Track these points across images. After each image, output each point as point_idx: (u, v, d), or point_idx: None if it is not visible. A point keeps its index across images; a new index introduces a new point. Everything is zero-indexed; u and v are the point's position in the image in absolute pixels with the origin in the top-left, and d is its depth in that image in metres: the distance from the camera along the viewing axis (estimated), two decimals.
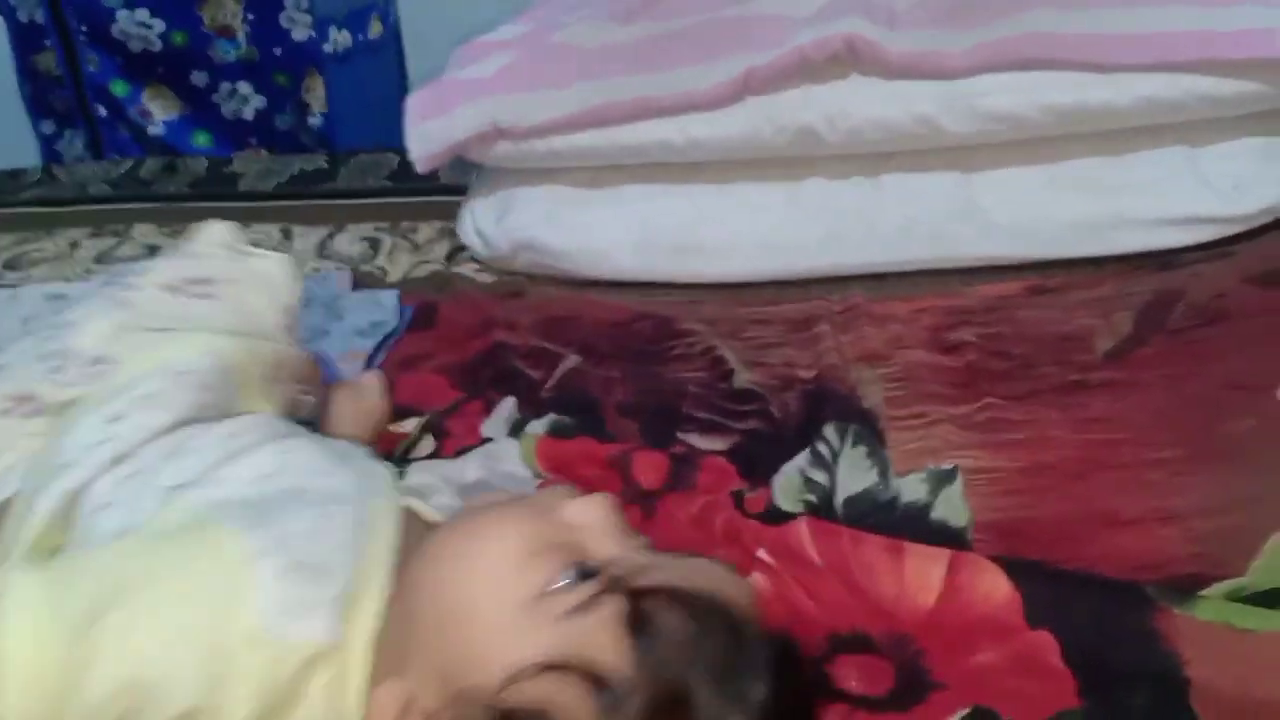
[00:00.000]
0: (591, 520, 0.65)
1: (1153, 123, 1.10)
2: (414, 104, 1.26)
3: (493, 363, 1.09)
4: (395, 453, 0.97)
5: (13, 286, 1.32)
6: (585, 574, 0.61)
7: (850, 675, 0.71)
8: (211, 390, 0.77)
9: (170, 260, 0.89)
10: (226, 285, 0.86)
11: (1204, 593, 0.71)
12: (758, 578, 0.78)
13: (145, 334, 0.79)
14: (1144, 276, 1.08)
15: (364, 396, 0.97)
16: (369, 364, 1.09)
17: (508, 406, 1.01)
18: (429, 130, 1.25)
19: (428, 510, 0.75)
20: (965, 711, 0.67)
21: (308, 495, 0.69)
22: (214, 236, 0.90)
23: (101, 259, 1.41)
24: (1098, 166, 1.13)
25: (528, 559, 0.62)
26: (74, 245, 1.46)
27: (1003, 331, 1.03)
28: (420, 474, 0.90)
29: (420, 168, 1.27)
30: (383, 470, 0.76)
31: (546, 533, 0.64)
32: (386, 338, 1.15)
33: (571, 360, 1.08)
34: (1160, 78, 1.07)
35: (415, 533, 0.70)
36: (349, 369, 1.07)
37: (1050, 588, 0.73)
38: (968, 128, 1.11)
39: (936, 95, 1.11)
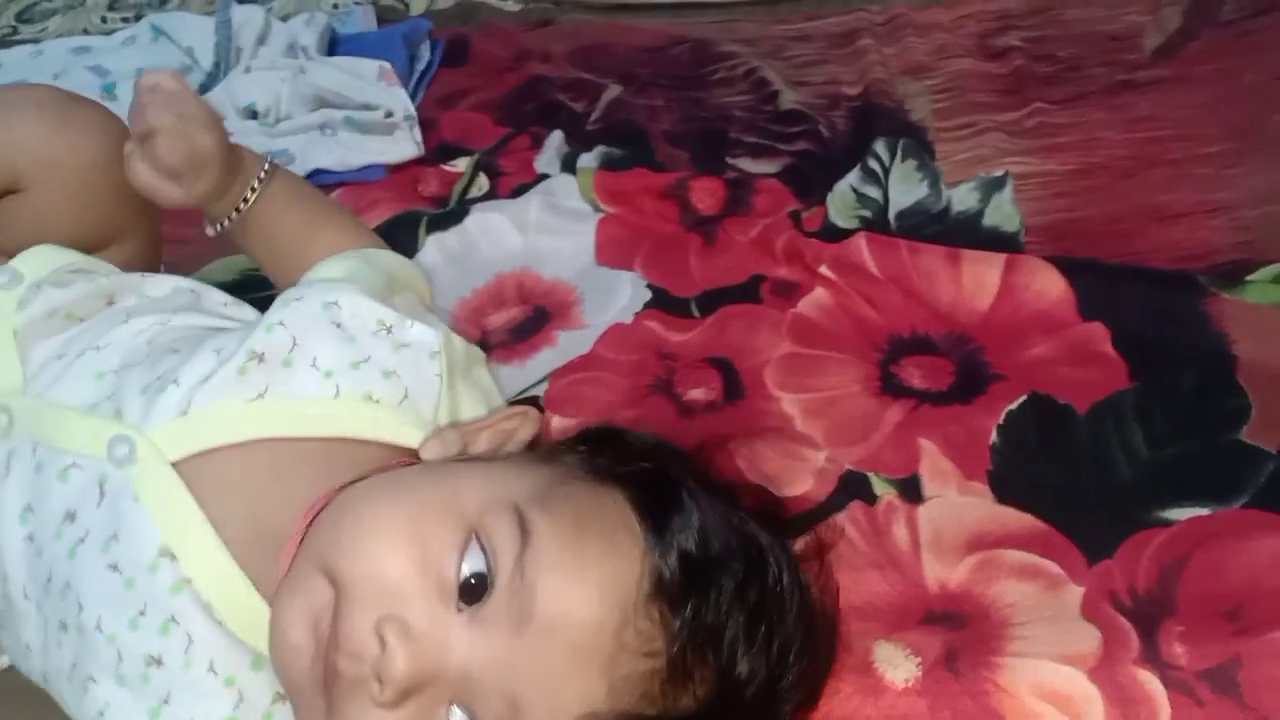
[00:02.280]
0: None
1: None
2: None
3: (533, 96, 1.09)
4: (452, 194, 0.99)
5: (35, 41, 1.29)
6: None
7: (913, 374, 0.77)
8: None
9: None
10: None
11: (1251, 277, 0.75)
12: (821, 293, 0.82)
13: None
14: None
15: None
16: (413, 98, 1.08)
17: (555, 140, 1.02)
18: None
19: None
20: (1024, 398, 0.73)
21: None
22: None
23: (115, 6, 1.37)
24: None
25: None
26: None
27: (1049, 34, 1.03)
28: (486, 213, 0.93)
29: None
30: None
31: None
32: (422, 76, 1.14)
33: (613, 90, 1.08)
34: None
35: None
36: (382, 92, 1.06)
37: (1102, 281, 0.78)
38: None
39: None
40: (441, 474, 0.56)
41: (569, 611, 0.49)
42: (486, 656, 0.48)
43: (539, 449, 0.61)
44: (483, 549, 0.50)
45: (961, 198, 0.89)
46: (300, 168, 1.00)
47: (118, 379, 0.59)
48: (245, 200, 0.69)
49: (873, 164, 0.93)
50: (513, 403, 0.75)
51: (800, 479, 0.71)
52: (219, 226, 0.69)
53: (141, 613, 0.54)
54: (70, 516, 0.56)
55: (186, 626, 0.53)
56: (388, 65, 1.10)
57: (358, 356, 0.59)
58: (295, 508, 0.55)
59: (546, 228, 0.92)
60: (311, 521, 0.54)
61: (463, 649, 0.49)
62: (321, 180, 1.00)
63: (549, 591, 0.49)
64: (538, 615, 0.48)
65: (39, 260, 0.66)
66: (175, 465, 0.55)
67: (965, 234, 0.85)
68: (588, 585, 0.49)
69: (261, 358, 0.58)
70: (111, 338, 0.62)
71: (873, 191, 0.91)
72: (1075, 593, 0.63)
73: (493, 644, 0.49)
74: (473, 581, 0.50)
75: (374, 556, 0.50)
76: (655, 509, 0.52)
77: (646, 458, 0.57)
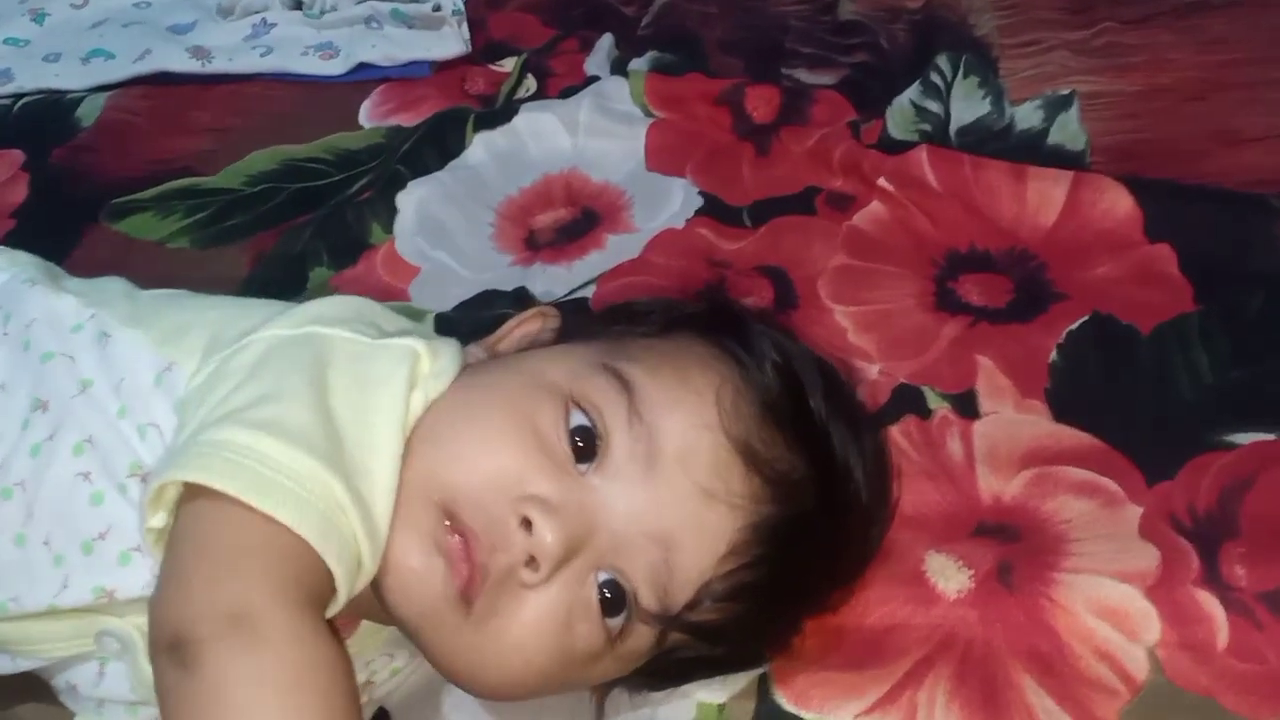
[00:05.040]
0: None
1: None
2: None
3: None
4: (499, 94, 0.97)
5: None
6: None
7: (971, 291, 0.75)
8: None
9: None
10: None
11: None
12: (877, 206, 0.80)
13: None
14: None
15: None
16: None
17: (606, 44, 1.00)
18: None
19: None
20: (1085, 318, 0.71)
21: None
22: None
23: None
24: None
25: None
26: None
27: None
28: (535, 113, 0.91)
29: None
30: None
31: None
32: None
33: None
34: None
35: None
36: None
37: (1172, 202, 0.76)
38: None
39: None
40: (509, 366, 0.55)
41: (699, 438, 0.50)
42: (627, 506, 0.49)
43: (576, 332, 0.60)
44: (583, 410, 0.50)
45: (1025, 115, 0.87)
46: (344, 62, 0.98)
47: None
48: None
49: (934, 78, 0.90)
50: (556, 303, 0.75)
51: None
52: None
53: None
54: (72, 689, 0.54)
55: None
56: None
57: None
58: None
59: (596, 130, 0.90)
60: None
61: (603, 506, 0.49)
62: (366, 75, 0.99)
63: (673, 426, 0.50)
64: (668, 450, 0.49)
65: None
66: None
67: (1028, 152, 0.83)
68: (706, 410, 0.50)
69: None
70: None
71: (933, 106, 0.89)
72: (1134, 512, 0.62)
73: (630, 492, 0.49)
74: (579, 442, 0.50)
75: (486, 459, 0.49)
76: (727, 337, 0.54)
77: (689, 307, 0.59)
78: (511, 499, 0.48)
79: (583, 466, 0.49)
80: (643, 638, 0.50)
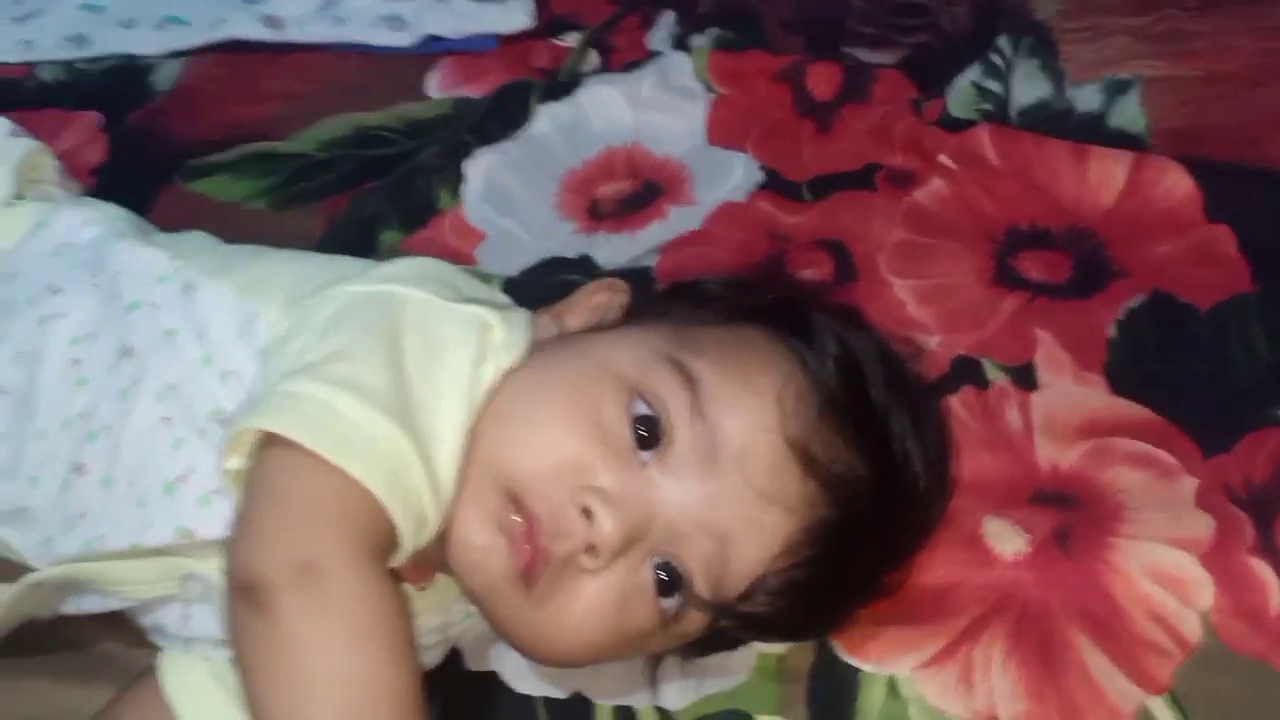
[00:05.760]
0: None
1: None
2: None
3: None
4: (563, 69, 0.98)
5: None
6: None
7: (1030, 267, 0.76)
8: None
9: None
10: None
11: None
12: (938, 182, 0.82)
13: None
14: None
15: None
16: None
17: (667, 20, 1.01)
18: None
19: None
20: (1145, 295, 0.72)
21: None
22: None
23: None
24: None
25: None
26: None
27: None
28: (598, 86, 0.93)
29: None
30: None
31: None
32: None
33: None
34: None
35: None
36: None
37: (1231, 184, 0.77)
38: None
39: None
40: (578, 350, 0.56)
41: (758, 440, 0.51)
42: (685, 501, 0.50)
43: (645, 311, 0.60)
44: (648, 403, 0.51)
45: (1086, 99, 0.87)
46: (413, 33, 1.00)
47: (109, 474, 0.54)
48: None
49: (995, 59, 0.91)
50: (617, 273, 0.76)
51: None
52: None
53: None
54: (159, 628, 0.56)
55: None
56: None
57: None
58: None
59: (658, 105, 0.92)
60: None
61: (662, 499, 0.50)
62: (433, 48, 1.01)
63: (734, 426, 0.51)
64: (727, 450, 0.51)
65: None
66: None
67: (1089, 135, 0.84)
68: (767, 411, 0.51)
69: None
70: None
71: (994, 87, 0.89)
72: (1189, 483, 0.63)
73: (689, 488, 0.51)
74: (643, 432, 0.51)
75: (550, 447, 0.51)
76: (789, 329, 0.55)
77: (753, 293, 0.60)
78: (574, 488, 0.50)
79: (645, 455, 0.51)
80: (695, 621, 0.52)
